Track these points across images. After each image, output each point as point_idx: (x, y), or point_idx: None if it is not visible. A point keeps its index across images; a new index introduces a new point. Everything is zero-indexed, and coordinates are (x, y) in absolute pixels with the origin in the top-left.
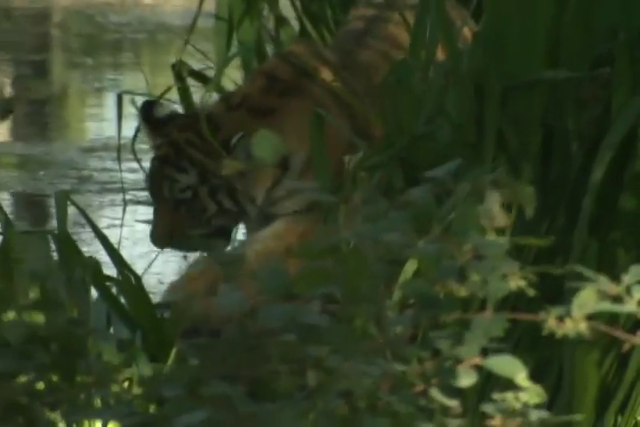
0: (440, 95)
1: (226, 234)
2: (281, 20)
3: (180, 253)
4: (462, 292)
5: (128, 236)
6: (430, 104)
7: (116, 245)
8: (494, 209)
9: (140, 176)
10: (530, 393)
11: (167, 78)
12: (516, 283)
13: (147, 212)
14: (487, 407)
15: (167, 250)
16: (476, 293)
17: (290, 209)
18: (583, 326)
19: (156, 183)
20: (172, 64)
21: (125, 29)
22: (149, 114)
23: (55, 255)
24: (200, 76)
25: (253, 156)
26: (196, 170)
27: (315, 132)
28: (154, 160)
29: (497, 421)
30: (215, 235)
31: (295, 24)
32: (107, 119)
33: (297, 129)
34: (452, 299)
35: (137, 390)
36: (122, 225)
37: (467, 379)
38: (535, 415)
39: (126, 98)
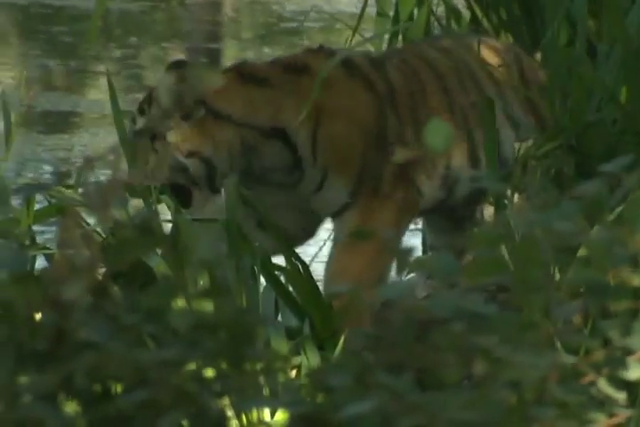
0: (610, 82)
1: (183, 195)
2: (451, 9)
3: None
4: (635, 280)
5: None
6: (600, 91)
7: None
8: None
9: None
10: None
11: None
12: None
13: None
14: None
15: None
16: None
17: (338, 203)
18: None
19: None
20: None
21: (301, 18)
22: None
23: (225, 244)
24: None
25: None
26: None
27: (488, 118)
28: None
29: None
30: (171, 192)
31: (466, 13)
32: None
33: (296, 106)
34: (623, 288)
35: (305, 379)
36: None
37: (636, 372)
38: None
39: None
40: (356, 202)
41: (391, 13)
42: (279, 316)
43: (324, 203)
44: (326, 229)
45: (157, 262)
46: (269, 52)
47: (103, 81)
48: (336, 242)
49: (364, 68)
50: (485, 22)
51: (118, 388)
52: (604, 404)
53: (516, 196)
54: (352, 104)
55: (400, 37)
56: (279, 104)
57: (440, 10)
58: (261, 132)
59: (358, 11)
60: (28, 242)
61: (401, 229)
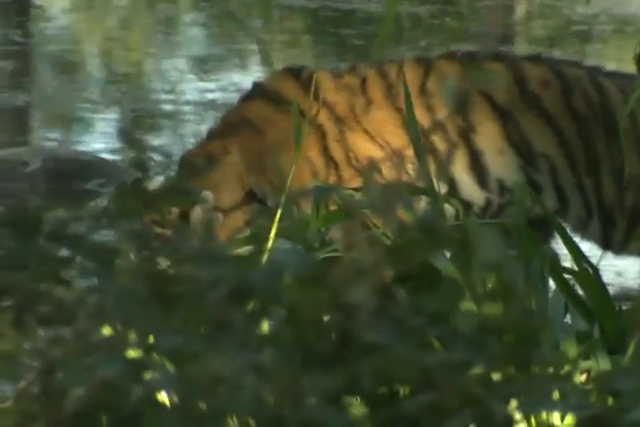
0: None
1: None
2: None
3: None
4: None
5: None
6: None
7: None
8: None
9: None
10: None
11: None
12: None
13: None
14: None
15: None
16: None
17: None
18: None
19: None
20: (634, 56)
21: (593, 21)
22: None
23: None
24: None
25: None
26: None
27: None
28: None
29: None
30: None
31: None
32: None
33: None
34: None
35: (593, 383)
36: None
37: None
38: None
39: None
40: None
41: None
42: (568, 319)
43: None
44: None
45: (445, 264)
46: (559, 55)
47: None
48: None
49: (295, 98)
50: None
51: (404, 390)
52: None
53: None
54: (288, 138)
55: None
56: (236, 172)
57: None
58: (245, 204)
59: None
60: (317, 245)
61: None
